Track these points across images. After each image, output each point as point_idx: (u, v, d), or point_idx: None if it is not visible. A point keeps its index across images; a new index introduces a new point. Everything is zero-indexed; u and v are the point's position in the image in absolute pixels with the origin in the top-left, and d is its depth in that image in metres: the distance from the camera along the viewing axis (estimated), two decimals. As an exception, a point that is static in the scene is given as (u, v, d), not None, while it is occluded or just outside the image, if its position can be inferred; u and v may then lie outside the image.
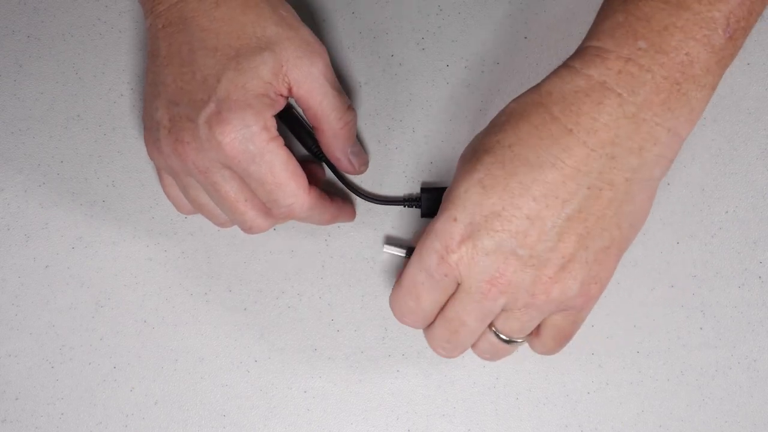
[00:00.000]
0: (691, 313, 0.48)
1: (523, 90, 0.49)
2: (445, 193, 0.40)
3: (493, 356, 0.42)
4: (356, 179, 0.50)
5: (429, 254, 0.39)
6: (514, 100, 0.40)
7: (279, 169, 0.41)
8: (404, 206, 0.49)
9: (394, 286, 0.41)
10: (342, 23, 0.51)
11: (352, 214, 0.49)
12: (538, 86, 0.39)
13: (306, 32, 0.43)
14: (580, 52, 0.38)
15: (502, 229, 0.37)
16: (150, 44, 0.43)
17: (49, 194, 0.50)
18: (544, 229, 0.37)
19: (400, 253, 0.48)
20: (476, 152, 0.39)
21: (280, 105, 0.42)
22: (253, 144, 0.40)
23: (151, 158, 0.44)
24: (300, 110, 0.46)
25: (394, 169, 0.50)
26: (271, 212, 0.43)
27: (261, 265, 0.49)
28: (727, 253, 0.48)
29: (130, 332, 0.49)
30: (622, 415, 0.48)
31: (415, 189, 0.50)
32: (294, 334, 0.49)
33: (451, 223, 0.38)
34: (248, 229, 0.44)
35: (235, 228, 0.49)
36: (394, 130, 0.50)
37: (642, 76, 0.36)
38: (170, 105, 0.41)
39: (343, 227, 0.49)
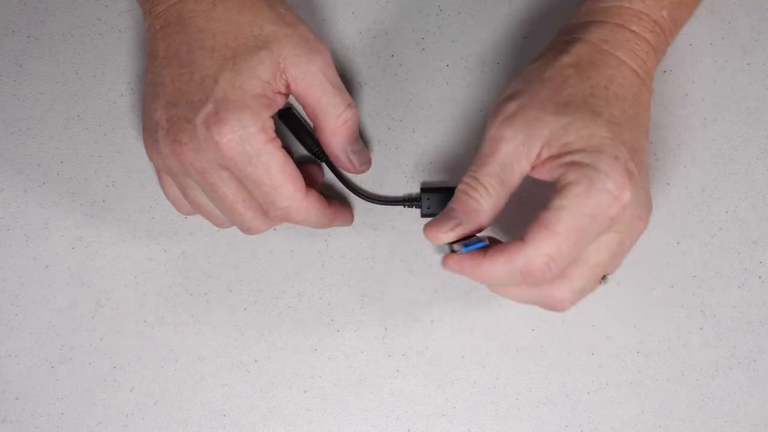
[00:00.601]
0: (691, 313, 0.48)
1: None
2: (567, 145, 0.39)
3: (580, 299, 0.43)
4: (356, 179, 0.50)
5: (600, 197, 0.38)
6: (565, 53, 0.42)
7: (276, 171, 0.41)
8: (404, 206, 0.49)
9: (532, 241, 0.39)
10: (342, 23, 0.51)
11: (350, 218, 0.49)
12: (582, 38, 0.42)
13: (305, 29, 0.43)
14: (613, 10, 0.43)
15: (640, 160, 0.40)
16: (149, 45, 0.43)
17: (49, 194, 0.50)
18: (647, 161, 0.42)
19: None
20: (571, 102, 0.40)
21: (279, 104, 0.42)
22: (250, 145, 0.40)
23: (150, 159, 0.44)
24: (301, 109, 0.46)
25: (394, 169, 0.50)
26: (269, 214, 0.43)
27: (261, 265, 0.49)
28: (727, 253, 0.48)
29: (130, 332, 0.49)
30: (622, 415, 0.48)
31: (414, 189, 0.50)
32: (294, 334, 0.49)
33: (616, 163, 0.38)
34: (246, 230, 0.44)
35: (235, 228, 0.49)
36: (394, 130, 0.50)
37: (661, 36, 0.43)
38: (168, 106, 0.41)
39: (344, 227, 0.49)
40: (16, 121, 0.51)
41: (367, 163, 0.47)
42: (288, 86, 0.42)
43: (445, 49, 0.50)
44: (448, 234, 0.41)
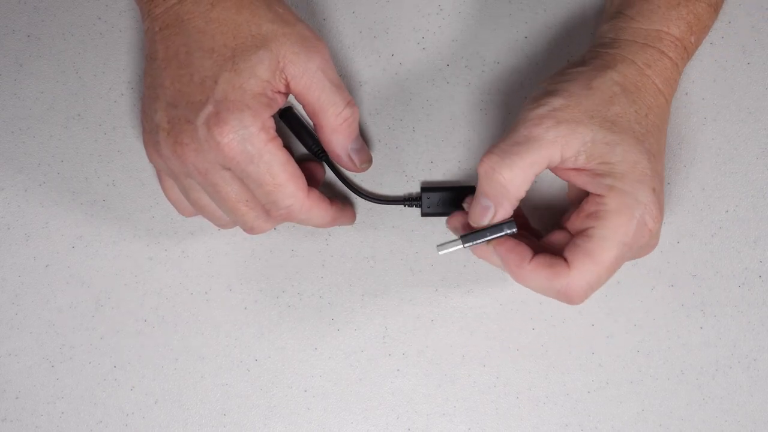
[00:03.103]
0: (691, 312, 0.48)
1: (523, 89, 0.49)
2: (610, 166, 0.40)
3: None
4: (357, 178, 0.50)
5: (639, 228, 0.40)
6: (612, 69, 0.42)
7: (277, 170, 0.41)
8: (404, 205, 0.49)
9: (577, 269, 0.40)
10: (342, 23, 0.51)
11: (352, 217, 0.49)
12: (627, 58, 0.43)
13: (303, 27, 0.43)
14: (653, 34, 0.43)
15: (662, 190, 0.41)
16: (147, 47, 0.43)
17: (50, 193, 0.50)
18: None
19: (457, 245, 0.44)
20: (617, 122, 0.41)
21: (279, 103, 0.42)
22: (252, 145, 0.40)
23: (151, 161, 0.44)
24: (301, 109, 0.46)
25: (394, 168, 0.50)
26: (271, 213, 0.43)
27: (261, 265, 0.49)
28: (727, 252, 0.48)
29: (130, 331, 0.49)
30: (622, 414, 0.48)
31: (415, 188, 0.50)
32: (294, 333, 0.49)
33: (653, 194, 0.40)
34: (249, 230, 0.44)
35: (236, 228, 0.49)
36: (394, 129, 0.50)
37: (686, 60, 0.44)
38: (169, 107, 0.41)
39: (344, 226, 0.49)
40: (16, 121, 0.51)
41: (368, 161, 0.47)
42: (287, 85, 0.42)
43: (445, 48, 0.50)
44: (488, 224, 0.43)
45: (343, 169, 0.49)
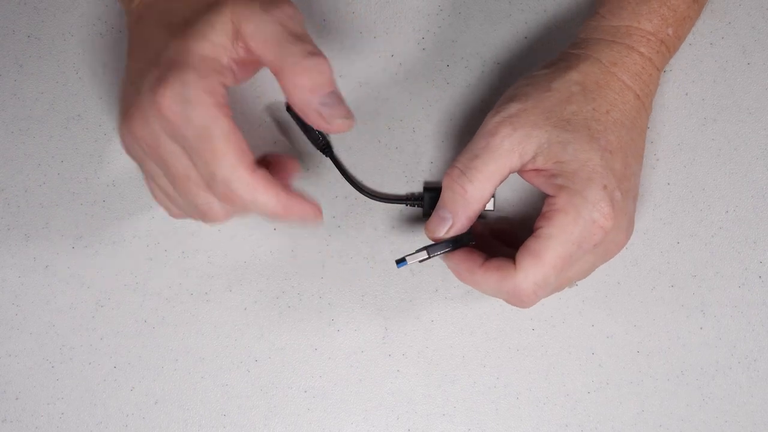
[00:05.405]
0: (691, 312, 0.48)
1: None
2: (562, 165, 0.40)
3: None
4: (359, 177, 0.50)
5: (586, 226, 0.39)
6: (574, 69, 0.42)
7: (217, 136, 0.36)
8: (406, 204, 0.49)
9: (523, 269, 0.40)
10: (342, 23, 0.51)
11: (311, 213, 0.41)
12: (592, 56, 0.42)
13: None
14: (623, 30, 0.43)
15: (627, 189, 0.41)
16: (126, 43, 0.42)
17: (50, 194, 0.50)
18: (637, 184, 0.43)
19: (422, 257, 0.43)
20: (572, 120, 0.40)
21: (236, 75, 0.38)
22: (191, 106, 0.36)
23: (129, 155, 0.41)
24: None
25: (394, 168, 0.50)
26: (212, 190, 0.38)
27: (261, 265, 0.49)
28: (727, 252, 0.48)
29: (130, 332, 0.49)
30: (622, 415, 0.48)
31: (414, 189, 0.50)
32: (294, 333, 0.49)
33: (603, 191, 0.39)
34: (203, 216, 0.40)
35: (237, 228, 0.49)
36: (394, 129, 0.50)
37: (666, 54, 0.44)
38: (128, 88, 0.39)
39: (344, 227, 0.49)
40: (16, 121, 0.51)
41: (342, 116, 0.38)
42: (248, 49, 0.38)
43: (445, 49, 0.50)
44: (445, 237, 0.43)
45: (346, 167, 0.49)
